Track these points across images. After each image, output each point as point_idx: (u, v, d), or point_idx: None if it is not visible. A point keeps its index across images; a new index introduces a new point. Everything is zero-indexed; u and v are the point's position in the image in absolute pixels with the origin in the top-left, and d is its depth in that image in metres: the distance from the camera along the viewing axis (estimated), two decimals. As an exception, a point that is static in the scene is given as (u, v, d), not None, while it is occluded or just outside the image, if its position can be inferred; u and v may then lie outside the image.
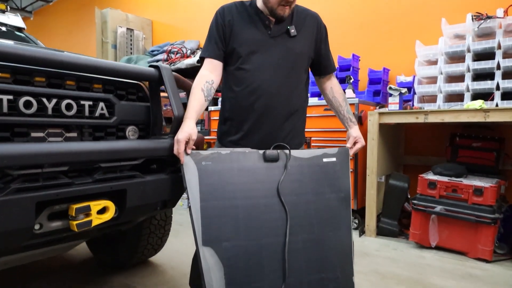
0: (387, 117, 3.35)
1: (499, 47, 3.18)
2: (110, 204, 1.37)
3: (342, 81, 3.98)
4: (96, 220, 1.33)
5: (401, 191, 3.36)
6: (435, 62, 3.56)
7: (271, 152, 1.56)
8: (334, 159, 1.64)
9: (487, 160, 3.28)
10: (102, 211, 1.37)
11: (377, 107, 3.82)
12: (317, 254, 1.54)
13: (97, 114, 1.50)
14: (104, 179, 1.38)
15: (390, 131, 3.74)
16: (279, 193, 1.53)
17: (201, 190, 1.46)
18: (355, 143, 1.73)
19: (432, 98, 3.55)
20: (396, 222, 3.38)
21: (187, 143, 1.46)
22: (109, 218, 1.37)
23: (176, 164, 1.65)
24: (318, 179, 1.60)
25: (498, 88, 3.12)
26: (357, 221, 3.56)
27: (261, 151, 1.56)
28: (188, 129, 1.48)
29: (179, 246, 3.07)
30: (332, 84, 1.82)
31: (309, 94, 4.02)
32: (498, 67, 3.15)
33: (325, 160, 1.63)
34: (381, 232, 3.41)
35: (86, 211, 1.30)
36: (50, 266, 2.64)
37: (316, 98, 3.93)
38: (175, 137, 1.47)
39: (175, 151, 1.46)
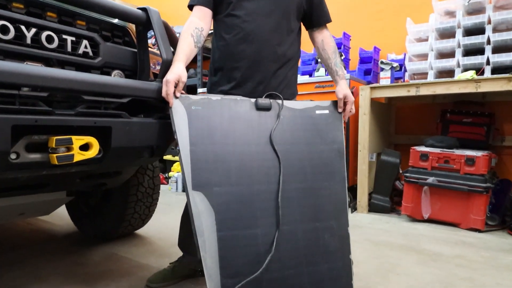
0: (379, 91, 3.33)
1: (489, 22, 3.19)
2: (93, 140, 1.29)
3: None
4: (78, 155, 1.24)
5: (393, 167, 3.34)
6: (425, 40, 3.55)
7: (263, 100, 1.50)
8: (327, 111, 1.59)
9: (478, 135, 3.28)
10: (85, 148, 1.28)
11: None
12: (310, 203, 1.48)
13: (80, 51, 1.42)
14: (88, 113, 1.29)
15: (381, 109, 3.72)
16: (272, 141, 1.46)
17: (190, 134, 1.38)
18: (345, 104, 1.61)
19: (423, 76, 3.55)
20: (388, 198, 3.36)
21: (176, 85, 1.39)
22: (92, 156, 1.28)
23: (164, 110, 1.58)
24: (311, 130, 1.55)
25: (488, 62, 3.12)
26: (348, 199, 3.51)
27: (253, 99, 1.50)
28: (178, 71, 1.41)
29: (168, 221, 2.99)
30: (324, 37, 1.75)
31: (300, 64, 3.98)
32: (488, 42, 3.15)
33: (318, 112, 1.58)
34: (373, 208, 3.37)
35: (67, 143, 1.21)
36: (32, 238, 2.52)
37: (307, 76, 3.89)
38: (164, 79, 1.39)
39: (163, 93, 1.38)
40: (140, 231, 2.68)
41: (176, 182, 4.51)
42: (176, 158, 4.93)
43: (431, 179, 2.89)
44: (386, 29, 4.07)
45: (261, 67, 1.59)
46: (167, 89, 1.37)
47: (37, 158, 1.20)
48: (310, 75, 3.94)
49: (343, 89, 1.62)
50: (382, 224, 2.95)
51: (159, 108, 1.58)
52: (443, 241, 2.52)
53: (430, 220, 2.98)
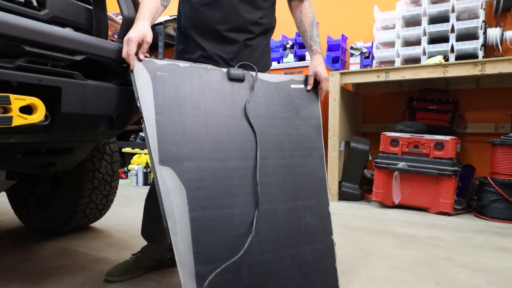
0: (349, 77, 3.28)
1: (453, 10, 3.25)
2: (38, 102, 1.06)
3: (302, 46, 3.88)
4: (19, 119, 1.01)
5: (362, 154, 3.30)
6: (392, 27, 3.56)
7: (236, 70, 1.35)
8: (302, 86, 1.48)
9: (443, 121, 3.33)
10: (28, 110, 1.05)
11: (337, 73, 3.75)
12: (290, 180, 1.35)
13: (21, -1, 1.18)
14: (31, 68, 1.06)
15: (349, 98, 3.68)
16: (247, 113, 1.32)
17: (156, 102, 1.19)
18: (319, 82, 1.48)
19: (390, 64, 3.55)
20: (357, 186, 3.32)
21: (139, 46, 1.20)
22: (37, 121, 1.05)
23: (125, 76, 1.38)
24: (287, 105, 1.42)
25: (452, 50, 3.17)
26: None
27: (224, 69, 1.34)
28: (142, 29, 1.22)
29: (128, 214, 2.73)
30: (303, 7, 1.62)
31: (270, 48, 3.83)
32: (453, 30, 3.21)
33: (293, 86, 1.46)
34: (342, 196, 3.32)
35: (4, 102, 0.98)
36: (-34, 236, 2.18)
37: (276, 63, 3.78)
38: (125, 37, 1.20)
39: (124, 54, 1.18)
40: (97, 224, 2.41)
41: (136, 175, 4.22)
42: (136, 150, 4.62)
43: (401, 164, 2.87)
44: (354, 17, 4.06)
45: (231, 37, 1.45)
46: (128, 49, 1.17)
47: (-37, 119, 0.95)
48: (279, 62, 3.84)
49: (314, 65, 1.50)
50: (354, 211, 2.90)
51: (119, 73, 1.37)
52: (415, 225, 2.49)
53: (400, 206, 2.97)
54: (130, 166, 4.38)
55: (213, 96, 1.29)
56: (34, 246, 2.00)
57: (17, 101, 1.01)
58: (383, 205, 3.03)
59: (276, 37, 4.04)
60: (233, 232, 1.21)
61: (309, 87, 1.48)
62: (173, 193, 1.17)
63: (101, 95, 1.25)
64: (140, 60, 1.19)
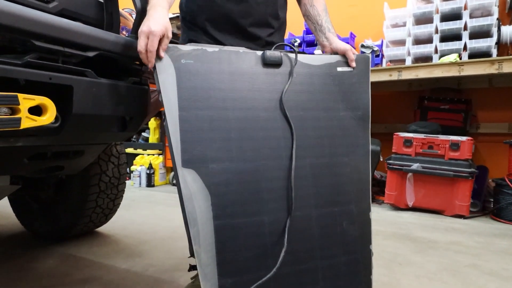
0: (360, 76, 3.18)
1: (465, 7, 3.17)
2: (48, 102, 0.96)
3: (310, 44, 3.79)
4: (28, 121, 0.92)
5: (373, 155, 3.19)
6: (403, 25, 3.48)
7: (272, 53, 1.19)
8: (350, 68, 1.31)
9: (456, 121, 3.25)
10: (37, 111, 0.96)
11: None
12: (328, 183, 1.23)
13: (28, -11, 1.08)
14: (41, 65, 0.97)
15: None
16: (283, 105, 1.18)
17: (179, 95, 1.08)
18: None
19: (401, 62, 3.46)
20: (368, 187, 3.23)
21: (161, 40, 1.03)
22: (47, 122, 0.96)
23: (139, 74, 1.28)
24: (331, 92, 1.27)
25: (465, 48, 3.09)
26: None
27: (259, 52, 1.19)
28: (164, 21, 1.04)
29: (134, 217, 2.63)
30: None
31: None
32: (465, 28, 3.12)
33: (339, 69, 1.30)
34: (353, 198, 3.23)
35: (12, 102, 0.88)
36: (-35, 242, 2.07)
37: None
38: (143, 28, 1.02)
39: (141, 48, 1.01)
40: (102, 229, 2.31)
41: (139, 176, 4.12)
42: (139, 151, 4.51)
43: (415, 166, 2.79)
44: (362, 14, 3.97)
45: (251, 33, 1.32)
46: (150, 44, 1.00)
47: (-33, 121, 0.86)
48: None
49: (343, 43, 1.34)
50: (367, 214, 2.81)
51: (133, 71, 1.28)
52: (432, 228, 2.41)
53: (413, 208, 2.89)
54: (132, 167, 4.28)
55: (245, 85, 1.15)
56: (38, 253, 1.90)
57: (26, 101, 0.91)
58: (396, 208, 2.94)
59: (282, 35, 3.95)
60: (261, 242, 1.12)
61: (354, 64, 1.30)
62: (197, 199, 1.07)
63: (115, 94, 1.15)
64: (160, 58, 1.05)
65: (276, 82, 1.19)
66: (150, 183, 4.10)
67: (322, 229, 1.19)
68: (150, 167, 4.12)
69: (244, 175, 1.12)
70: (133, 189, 3.91)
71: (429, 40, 3.29)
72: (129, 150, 4.58)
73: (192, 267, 1.23)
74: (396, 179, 2.89)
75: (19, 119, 0.89)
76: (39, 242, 2.06)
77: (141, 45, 1.02)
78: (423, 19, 3.38)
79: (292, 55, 1.22)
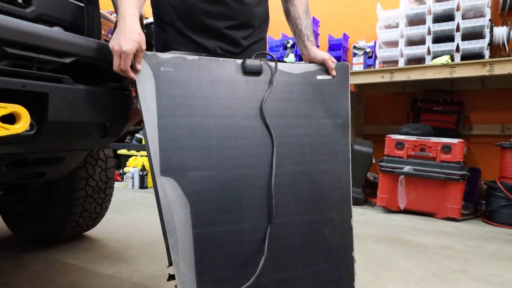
0: (352, 78, 3.18)
1: (458, 8, 3.16)
2: (22, 110, 0.94)
3: (302, 45, 3.77)
4: (0, 129, 0.90)
5: (366, 157, 3.21)
6: (396, 26, 3.47)
7: (252, 61, 1.19)
8: (329, 76, 1.32)
9: (448, 123, 3.25)
10: (10, 119, 0.94)
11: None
12: (309, 190, 1.22)
13: (3, -6, 1.06)
14: (14, 72, 0.95)
15: (350, 99, 3.58)
16: (263, 113, 1.17)
17: (159, 103, 1.06)
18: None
19: (394, 64, 3.45)
20: (361, 190, 3.22)
21: (135, 54, 1.01)
22: (20, 131, 0.94)
23: (119, 79, 1.26)
24: (311, 100, 1.27)
25: (458, 49, 3.08)
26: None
27: (239, 60, 1.19)
28: (135, 36, 0.99)
29: (124, 220, 2.61)
30: None
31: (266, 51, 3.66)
32: (458, 29, 3.12)
33: (319, 77, 1.31)
34: (345, 200, 3.22)
35: (-18, 111, 0.86)
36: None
37: (276, 62, 3.67)
38: (115, 45, 0.99)
39: (115, 67, 1.00)
40: (90, 233, 2.29)
41: (132, 178, 4.10)
42: (132, 152, 4.49)
43: (407, 168, 2.78)
44: (356, 15, 3.96)
45: (230, 30, 1.28)
46: (123, 64, 0.99)
47: None
48: (279, 61, 3.72)
49: (321, 52, 1.33)
50: (358, 216, 2.80)
51: (112, 76, 1.26)
52: (423, 232, 2.40)
53: (405, 211, 2.88)
54: (126, 169, 4.26)
55: (225, 93, 1.15)
56: (24, 257, 1.88)
57: (-3, 109, 0.89)
58: (388, 210, 2.93)
59: (276, 35, 3.93)
60: (242, 250, 1.10)
61: (334, 72, 1.29)
62: (175, 208, 1.06)
63: (93, 100, 1.13)
64: (137, 71, 1.03)
65: (256, 90, 1.18)
66: (143, 185, 4.08)
67: (303, 237, 1.18)
68: (143, 168, 4.10)
69: (224, 183, 1.11)
70: (125, 191, 3.89)
71: (421, 41, 3.28)
72: (122, 151, 4.56)
73: (171, 277, 1.21)
74: (388, 181, 2.88)
75: (-10, 128, 0.88)
76: (26, 246, 2.04)
77: (115, 65, 1.00)
78: (416, 20, 3.37)
79: (272, 64, 1.22)
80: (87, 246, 2.09)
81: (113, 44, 0.99)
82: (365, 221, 2.67)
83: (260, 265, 1.08)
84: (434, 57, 3.15)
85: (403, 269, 1.76)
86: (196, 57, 1.14)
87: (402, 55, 3.32)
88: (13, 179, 1.36)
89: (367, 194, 3.40)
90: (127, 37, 0.99)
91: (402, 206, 2.85)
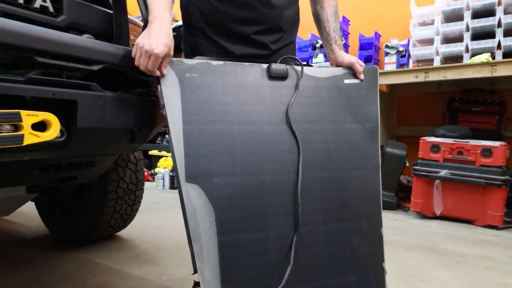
0: (384, 78, 3.07)
1: (499, 3, 2.97)
2: (52, 118, 0.97)
3: (332, 45, 3.69)
4: (31, 137, 0.92)
5: (398, 160, 3.09)
6: (431, 23, 3.32)
7: (278, 66, 1.17)
8: (357, 80, 1.28)
9: (489, 125, 3.06)
10: (41, 127, 0.96)
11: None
12: (336, 197, 1.18)
13: (36, 5, 1.09)
14: (44, 81, 0.97)
15: (383, 99, 3.45)
16: (289, 118, 1.15)
17: (184, 109, 1.07)
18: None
19: (429, 62, 3.30)
20: (393, 194, 3.11)
21: (162, 59, 1.01)
22: (51, 138, 0.96)
23: (148, 85, 1.27)
24: (338, 105, 1.23)
25: (499, 46, 2.90)
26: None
27: (264, 65, 1.17)
28: (167, 39, 1.00)
29: (153, 221, 2.66)
30: None
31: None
32: (499, 25, 2.93)
33: (347, 81, 1.27)
34: (377, 204, 3.12)
35: (14, 119, 0.89)
36: (-7, 244, 2.17)
37: (304, 63, 3.62)
38: (144, 47, 0.98)
39: (143, 66, 1.00)
40: (121, 233, 2.35)
41: (163, 178, 4.17)
42: (163, 153, 4.58)
43: (443, 172, 2.64)
44: (387, 13, 3.83)
45: (259, 37, 1.25)
46: (151, 65, 0.99)
47: (-29, 139, 0.87)
48: (308, 63, 3.66)
49: (349, 55, 1.29)
50: (390, 222, 2.70)
51: (140, 82, 1.27)
52: (461, 240, 2.27)
53: (441, 217, 2.75)
54: (156, 169, 4.35)
55: (250, 99, 1.13)
56: (58, 257, 1.95)
57: (28, 117, 0.92)
58: (423, 216, 2.81)
59: (304, 36, 3.87)
60: (267, 258, 1.08)
61: (362, 76, 1.25)
62: (200, 214, 1.06)
63: (121, 107, 1.15)
64: (162, 76, 1.03)
65: (282, 95, 1.15)
66: (173, 185, 4.15)
67: (330, 246, 1.14)
68: (174, 169, 4.16)
69: (249, 190, 1.09)
70: (156, 191, 3.97)
71: (459, 39, 3.12)
72: (154, 152, 4.66)
73: (197, 284, 1.21)
74: (422, 186, 2.76)
75: (22, 136, 0.90)
76: (61, 246, 2.12)
77: (143, 64, 1.00)
78: (452, 17, 3.21)
79: (298, 68, 1.19)
80: (118, 246, 2.14)
81: (143, 43, 0.99)
82: (397, 227, 2.57)
83: (286, 275, 1.05)
84: (473, 55, 2.98)
85: (439, 280, 1.67)
86: (221, 62, 1.13)
87: (437, 54, 3.17)
88: (47, 183, 1.41)
89: (400, 198, 3.27)
90: (160, 40, 1.00)
91: (438, 212, 2.71)
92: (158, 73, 1.03)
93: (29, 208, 2.61)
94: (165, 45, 1.00)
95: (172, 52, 1.04)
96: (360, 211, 1.21)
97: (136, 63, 1.02)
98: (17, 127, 0.91)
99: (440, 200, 2.70)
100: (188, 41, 1.33)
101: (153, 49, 0.98)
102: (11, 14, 1.04)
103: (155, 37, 1.00)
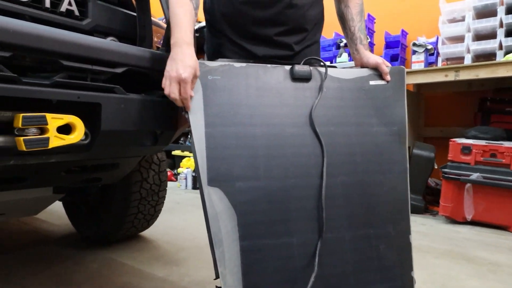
0: (412, 77, 2.97)
1: (537, -3, 2.82)
2: (77, 121, 0.98)
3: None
4: (56, 140, 0.93)
5: (427, 162, 2.98)
6: (461, 20, 3.18)
7: (301, 67, 1.14)
8: (383, 82, 1.23)
9: (524, 126, 2.90)
10: (66, 130, 0.97)
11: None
12: (362, 202, 1.14)
13: (62, 9, 1.11)
14: (69, 84, 0.98)
15: (409, 99, 3.34)
16: (312, 121, 1.12)
17: (206, 112, 1.06)
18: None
19: (459, 61, 3.17)
20: (421, 197, 3.00)
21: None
22: (75, 141, 0.97)
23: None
24: (364, 107, 1.19)
25: (536, 43, 2.75)
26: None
27: (287, 67, 1.15)
28: (191, 61, 0.99)
29: (176, 221, 2.68)
30: None
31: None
32: (537, 20, 2.78)
33: (372, 83, 1.22)
34: (403, 208, 3.02)
35: (41, 123, 0.90)
36: (24, 240, 2.23)
37: (328, 62, 3.55)
38: (171, 74, 0.98)
39: (174, 95, 0.99)
40: (145, 233, 2.37)
41: (186, 179, 4.21)
42: (186, 153, 4.62)
43: (475, 176, 2.53)
44: (415, 10, 3.70)
45: (281, 36, 1.22)
46: (183, 91, 0.98)
47: (-1, 142, 0.89)
48: (331, 62, 3.60)
49: (375, 56, 1.25)
50: (418, 226, 2.61)
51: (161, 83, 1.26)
52: (494, 247, 2.16)
53: (472, 222, 2.62)
54: (179, 170, 4.39)
55: (273, 101, 1.11)
56: (84, 255, 1.99)
57: (54, 120, 0.93)
58: (452, 221, 2.69)
59: (328, 35, 3.80)
60: (290, 265, 1.06)
61: (388, 77, 1.21)
62: (222, 219, 1.04)
63: (144, 109, 1.15)
64: (191, 98, 1.02)
65: (306, 97, 1.12)
66: (195, 186, 4.17)
67: (356, 253, 1.10)
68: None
69: (272, 194, 1.07)
70: (179, 191, 4.00)
71: (492, 35, 2.98)
72: (176, 152, 4.71)
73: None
74: (452, 189, 2.64)
75: (47, 139, 0.91)
76: (87, 244, 2.16)
77: (174, 92, 0.99)
78: (485, 12, 3.07)
79: (322, 69, 1.16)
80: (141, 246, 2.16)
81: (170, 71, 0.99)
82: (426, 232, 2.47)
83: (310, 282, 1.02)
84: (507, 53, 2.84)
85: (471, 290, 1.59)
86: (244, 64, 1.11)
87: (468, 51, 3.04)
88: (72, 184, 1.44)
89: (428, 202, 3.16)
90: (185, 63, 0.99)
91: (469, 217, 2.60)
92: (188, 104, 1.01)
93: (57, 206, 2.68)
94: (190, 66, 0.99)
95: (198, 73, 1.03)
96: (387, 217, 1.16)
97: (166, 92, 1.00)
98: (42, 130, 0.92)
99: (471, 205, 2.58)
100: (210, 43, 1.32)
101: (180, 74, 0.97)
102: (39, 18, 1.05)
103: (180, 62, 0.99)
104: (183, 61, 0.99)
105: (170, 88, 0.99)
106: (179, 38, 1.02)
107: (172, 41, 1.03)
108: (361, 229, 1.13)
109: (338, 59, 3.50)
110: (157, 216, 2.23)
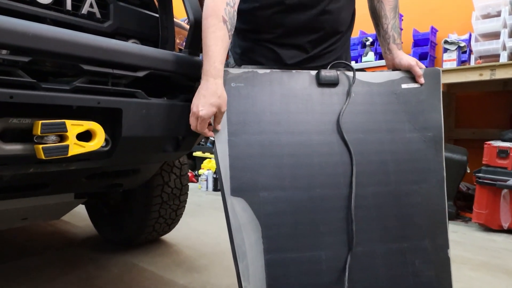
0: (443, 77, 2.78)
1: None
2: (97, 127, 0.94)
3: (382, 42, 3.49)
4: (76, 147, 0.90)
5: (458, 165, 2.83)
6: (496, 15, 3.01)
7: (328, 72, 1.08)
8: (416, 85, 1.15)
9: None
10: (86, 137, 0.94)
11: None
12: (394, 214, 1.07)
13: (83, 11, 1.08)
14: (89, 89, 0.95)
15: (440, 99, 3.20)
16: (340, 128, 1.06)
17: (230, 120, 1.01)
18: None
19: (493, 58, 3.00)
20: (451, 202, 2.85)
21: (216, 115, 0.98)
22: (95, 148, 0.94)
23: (193, 90, 1.22)
24: (395, 112, 1.11)
25: None
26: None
27: (313, 72, 1.09)
28: (214, 99, 0.95)
29: (197, 225, 2.65)
30: None
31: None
32: None
33: (404, 86, 1.14)
34: (433, 214, 2.88)
35: (60, 130, 0.87)
36: (47, 242, 2.26)
37: (353, 62, 3.45)
38: (192, 108, 0.97)
39: (193, 128, 0.98)
40: (166, 237, 2.35)
41: (207, 180, 4.19)
42: (207, 154, 4.61)
43: (512, 181, 2.37)
44: (445, 6, 3.54)
45: (312, 41, 1.18)
46: (200, 126, 0.97)
47: (18, 150, 0.86)
48: (357, 61, 3.50)
49: (408, 57, 1.17)
50: (450, 234, 2.46)
51: (186, 87, 1.23)
52: (535, 259, 2.02)
53: (509, 230, 2.47)
54: (200, 171, 4.38)
55: (299, 108, 1.06)
56: (105, 259, 1.98)
57: (74, 127, 0.90)
58: (487, 228, 2.54)
59: (353, 33, 3.69)
60: (318, 280, 1.00)
61: (422, 80, 1.13)
62: (246, 230, 0.99)
63: (165, 114, 1.11)
64: (216, 131, 1.00)
65: (333, 103, 1.06)
66: (216, 187, 4.15)
67: (389, 268, 1.03)
68: (217, 171, 4.17)
69: (298, 205, 1.01)
70: (200, 193, 3.99)
71: (531, 32, 2.80)
72: (198, 153, 4.70)
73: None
74: (487, 195, 2.49)
75: (67, 147, 0.88)
76: (109, 247, 2.16)
77: (192, 125, 0.98)
78: (523, 7, 2.89)
79: (350, 73, 1.09)
80: (162, 251, 2.13)
81: (193, 104, 0.97)
82: (458, 240, 2.34)
83: (341, 300, 0.95)
84: (547, 49, 2.66)
85: (513, 307, 1.47)
86: (268, 71, 1.06)
87: (504, 48, 2.87)
88: (94, 190, 1.42)
89: (459, 208, 3.00)
90: (207, 100, 0.95)
91: (505, 225, 2.44)
92: (208, 134, 0.99)
93: (80, 208, 2.71)
94: (212, 104, 0.95)
95: (224, 109, 0.98)
96: (423, 230, 1.08)
97: (190, 121, 0.99)
98: (62, 138, 0.89)
99: (508, 212, 2.42)
100: (237, 44, 1.28)
101: (199, 111, 0.95)
102: (60, 21, 1.03)
103: (202, 98, 0.96)
104: (205, 97, 0.95)
105: (190, 119, 0.99)
106: (207, 71, 0.98)
107: (202, 71, 0.99)
108: (394, 243, 1.05)
109: (363, 58, 3.39)
110: (178, 220, 2.21)
